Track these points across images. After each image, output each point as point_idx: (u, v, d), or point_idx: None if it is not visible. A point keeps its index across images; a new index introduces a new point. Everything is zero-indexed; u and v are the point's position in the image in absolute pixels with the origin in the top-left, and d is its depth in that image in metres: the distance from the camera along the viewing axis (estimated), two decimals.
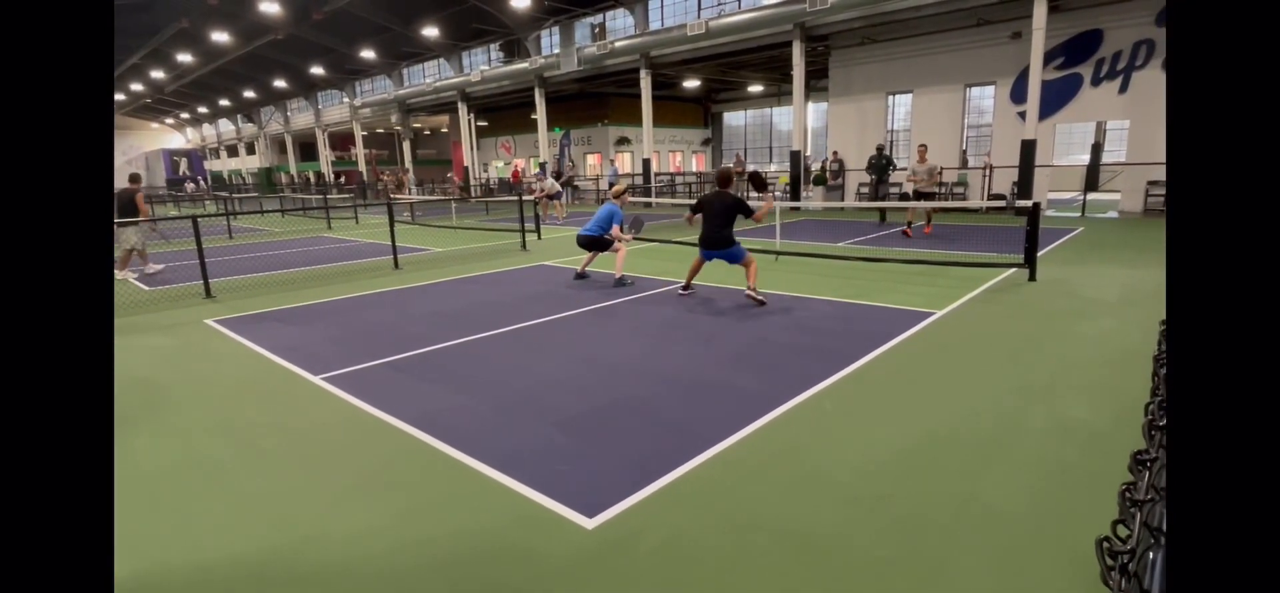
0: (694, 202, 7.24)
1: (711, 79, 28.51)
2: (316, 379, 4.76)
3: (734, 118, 35.39)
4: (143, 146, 53.28)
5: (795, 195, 18.29)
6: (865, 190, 16.59)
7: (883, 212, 14.63)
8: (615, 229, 8.22)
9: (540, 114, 25.09)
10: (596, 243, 8.32)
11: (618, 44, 21.51)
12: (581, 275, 8.68)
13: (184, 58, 32.13)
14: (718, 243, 6.83)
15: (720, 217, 6.81)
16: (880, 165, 14.02)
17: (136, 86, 40.36)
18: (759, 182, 7.81)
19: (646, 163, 22.12)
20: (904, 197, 12.93)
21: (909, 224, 12.03)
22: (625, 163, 31.16)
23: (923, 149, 11.94)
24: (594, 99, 30.24)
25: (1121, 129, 16.63)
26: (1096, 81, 14.83)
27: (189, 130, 57.36)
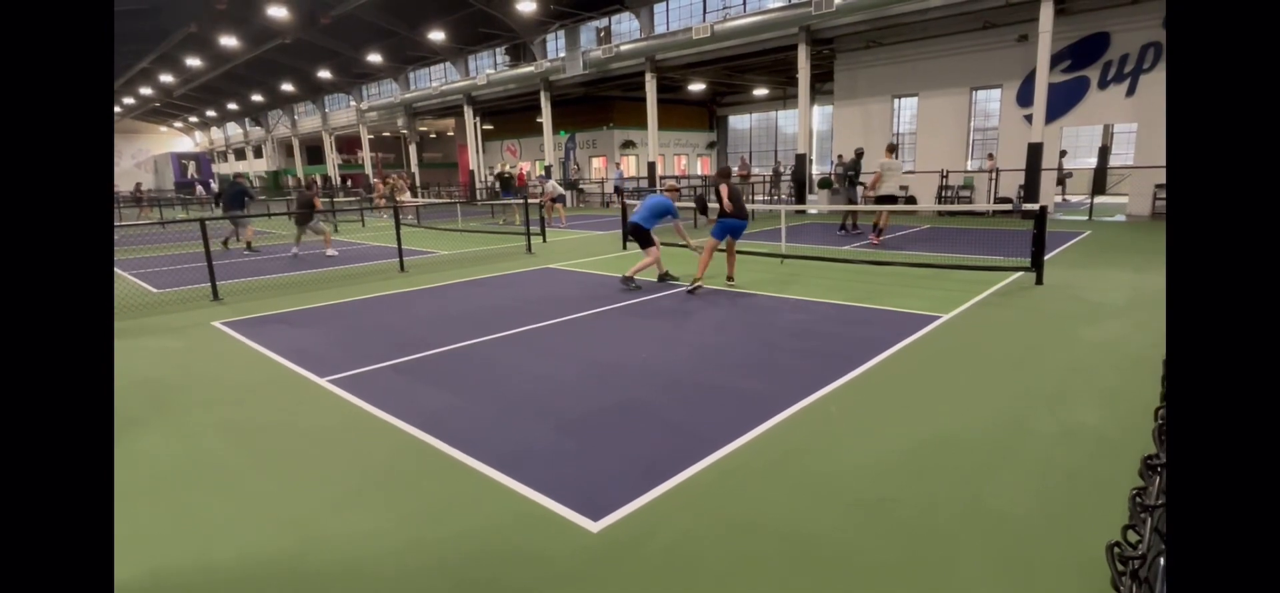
0: (722, 192, 7.65)
1: (717, 82, 28.52)
2: (322, 381, 4.78)
3: (739, 121, 35.36)
4: (151, 150, 53.63)
5: (800, 199, 18.26)
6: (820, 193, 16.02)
7: (844, 218, 14.03)
8: (679, 227, 8.14)
9: (546, 117, 25.15)
10: (642, 235, 7.84)
11: (623, 48, 21.55)
12: (629, 280, 8.03)
13: (193, 62, 32.36)
14: (745, 215, 7.74)
15: (740, 197, 7.73)
16: (850, 171, 13.39)
17: (145, 90, 40.67)
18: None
19: (651, 166, 22.13)
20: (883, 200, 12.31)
21: (875, 229, 11.41)
22: (630, 166, 31.18)
23: (888, 149, 11.16)
24: (599, 103, 30.28)
25: (1129, 132, 16.55)
26: (1104, 84, 14.76)
27: (197, 134, 57.73)
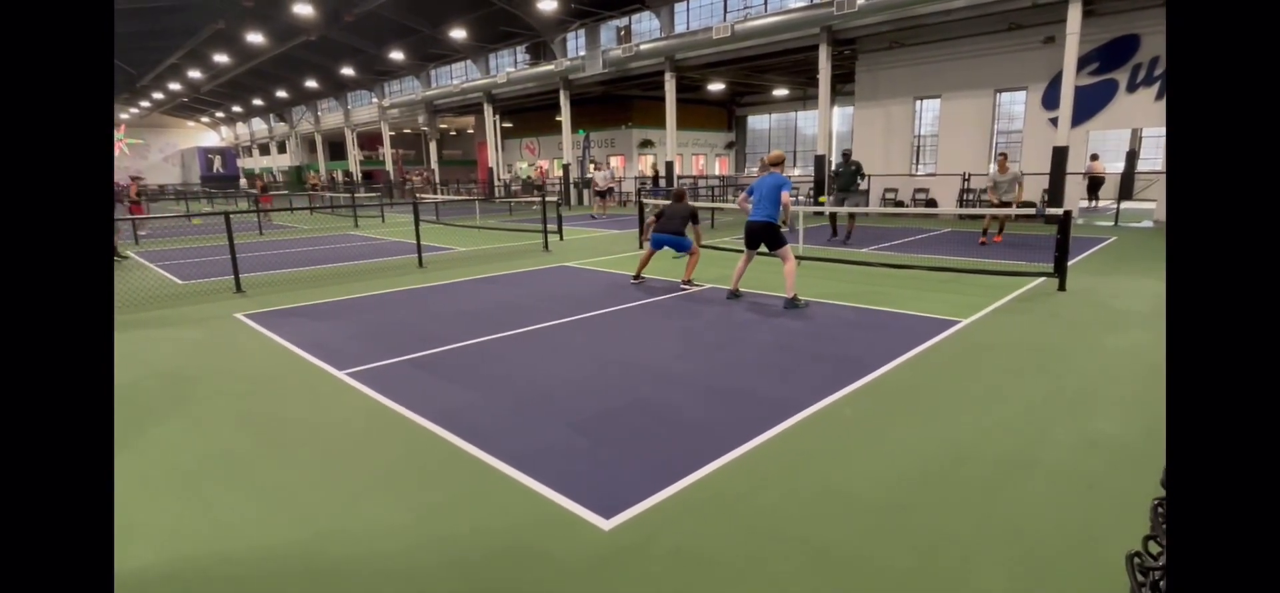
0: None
1: (736, 82, 28.39)
2: (341, 374, 4.83)
3: (758, 121, 35.19)
4: (179, 144, 54.71)
5: (819, 199, 18.11)
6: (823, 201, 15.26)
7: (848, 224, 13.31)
8: (786, 197, 6.68)
9: (565, 116, 25.23)
10: (769, 234, 6.68)
11: (643, 47, 21.54)
12: (734, 294, 7.13)
13: (220, 58, 32.91)
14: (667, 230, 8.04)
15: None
16: (848, 175, 12.43)
17: (174, 86, 41.41)
18: None
19: (670, 165, 22.11)
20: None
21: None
22: (648, 165, 31.16)
23: None
24: (618, 102, 30.30)
25: (1157, 137, 16.19)
26: (1132, 88, 14.47)
27: (223, 129, 58.72)
